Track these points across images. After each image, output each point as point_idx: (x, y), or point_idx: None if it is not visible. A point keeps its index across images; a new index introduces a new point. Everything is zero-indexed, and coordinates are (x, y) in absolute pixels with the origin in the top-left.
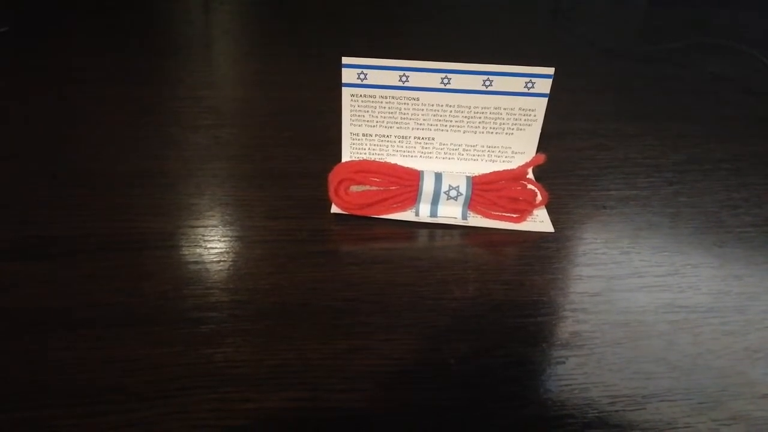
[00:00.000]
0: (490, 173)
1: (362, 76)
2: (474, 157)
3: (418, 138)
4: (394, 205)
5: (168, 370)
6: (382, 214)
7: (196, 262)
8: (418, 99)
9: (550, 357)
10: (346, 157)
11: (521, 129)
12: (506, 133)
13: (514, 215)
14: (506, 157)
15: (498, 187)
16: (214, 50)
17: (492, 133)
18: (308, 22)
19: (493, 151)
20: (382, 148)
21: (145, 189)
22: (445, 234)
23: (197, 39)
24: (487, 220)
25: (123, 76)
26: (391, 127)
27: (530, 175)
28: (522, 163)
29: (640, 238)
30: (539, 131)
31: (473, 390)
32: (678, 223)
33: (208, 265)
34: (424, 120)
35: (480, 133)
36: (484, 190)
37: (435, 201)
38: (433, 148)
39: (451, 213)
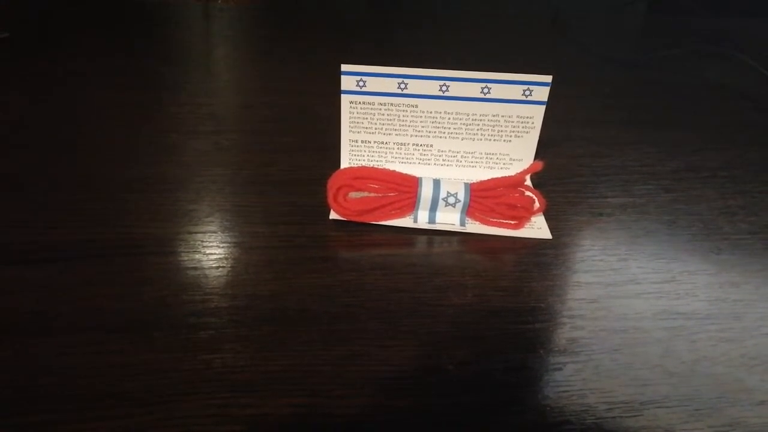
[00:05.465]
0: (488, 180)
1: (361, 84)
2: (472, 164)
3: (417, 145)
4: (393, 212)
5: (167, 375)
6: (381, 221)
7: (195, 268)
8: (416, 106)
9: (548, 363)
10: (345, 164)
11: (519, 136)
12: (504, 141)
13: (512, 222)
14: (504, 164)
15: (496, 194)
16: (214, 56)
17: (490, 140)
18: (307, 29)
19: (491, 158)
20: (380, 154)
21: (145, 195)
22: (444, 240)
23: (197, 45)
24: (485, 226)
25: (123, 82)
26: (389, 134)
27: (528, 182)
28: (520, 170)
29: (637, 245)
30: (537, 138)
31: (472, 396)
32: (675, 230)
33: (207, 271)
34: (422, 127)
35: (478, 140)
36: (482, 197)
37: (433, 207)
38: (432, 154)
39: (449, 219)
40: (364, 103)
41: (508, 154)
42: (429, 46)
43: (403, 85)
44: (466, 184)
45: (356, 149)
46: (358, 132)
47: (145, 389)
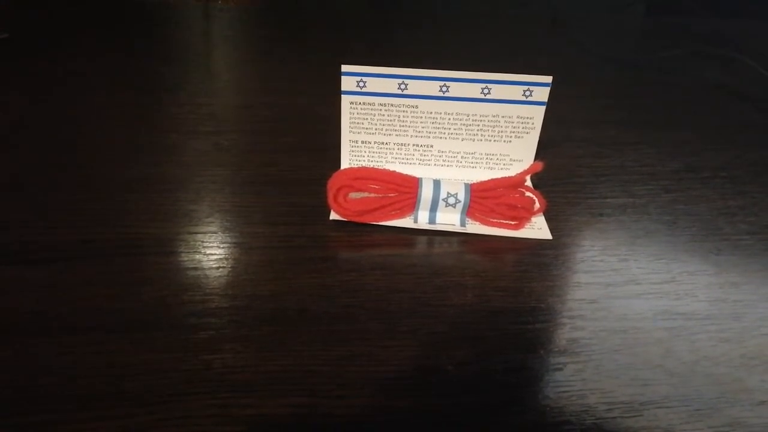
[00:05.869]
0: (489, 180)
1: (361, 84)
2: (472, 165)
3: (417, 145)
4: (393, 212)
5: (167, 375)
6: (381, 221)
7: (195, 268)
8: (416, 107)
9: (548, 364)
10: (345, 164)
11: (519, 137)
12: (504, 141)
13: (512, 222)
14: (504, 164)
15: (496, 195)
16: (214, 57)
17: (490, 140)
18: (307, 29)
19: (491, 159)
20: (381, 155)
21: (145, 195)
22: (444, 241)
23: (197, 45)
24: (486, 227)
25: (122, 83)
26: (390, 135)
27: (528, 183)
28: (520, 170)
29: (637, 246)
30: (537, 139)
31: (472, 396)
32: (675, 230)
33: (207, 271)
34: (422, 127)
35: (478, 140)
36: (483, 198)
37: (433, 208)
38: (432, 155)
39: (449, 220)
40: (364, 103)
41: (508, 155)
42: (429, 46)
43: (403, 86)
44: (466, 184)
45: (356, 150)
46: (358, 132)
47: (145, 389)
